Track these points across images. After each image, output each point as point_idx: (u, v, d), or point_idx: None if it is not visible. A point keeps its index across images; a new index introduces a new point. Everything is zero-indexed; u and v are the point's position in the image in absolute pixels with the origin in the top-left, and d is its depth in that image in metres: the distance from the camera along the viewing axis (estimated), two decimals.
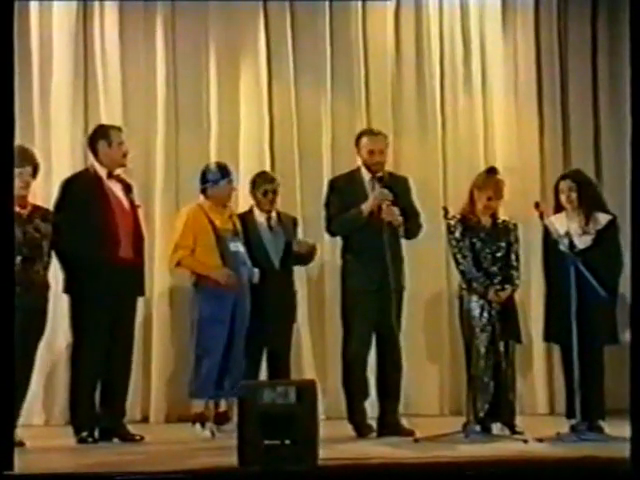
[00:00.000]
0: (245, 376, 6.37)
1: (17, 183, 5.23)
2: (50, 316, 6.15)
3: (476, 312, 6.06)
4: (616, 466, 4.59)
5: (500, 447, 5.54)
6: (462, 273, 6.14)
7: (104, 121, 7.32)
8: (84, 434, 5.96)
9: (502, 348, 6.06)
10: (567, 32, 8.33)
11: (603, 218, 6.20)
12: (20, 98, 6.19)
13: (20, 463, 4.34)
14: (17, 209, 5.46)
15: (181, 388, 6.84)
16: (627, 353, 6.15)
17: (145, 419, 7.51)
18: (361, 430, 6.20)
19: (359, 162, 6.47)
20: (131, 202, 6.27)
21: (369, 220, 6.21)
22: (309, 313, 7.73)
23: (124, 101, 7.83)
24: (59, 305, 6.52)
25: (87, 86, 7.80)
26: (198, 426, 6.42)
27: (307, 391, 4.81)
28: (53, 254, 6.05)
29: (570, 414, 6.00)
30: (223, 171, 6.61)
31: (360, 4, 8.08)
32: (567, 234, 6.13)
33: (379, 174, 6.32)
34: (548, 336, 6.32)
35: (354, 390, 6.29)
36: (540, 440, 5.72)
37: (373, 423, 6.29)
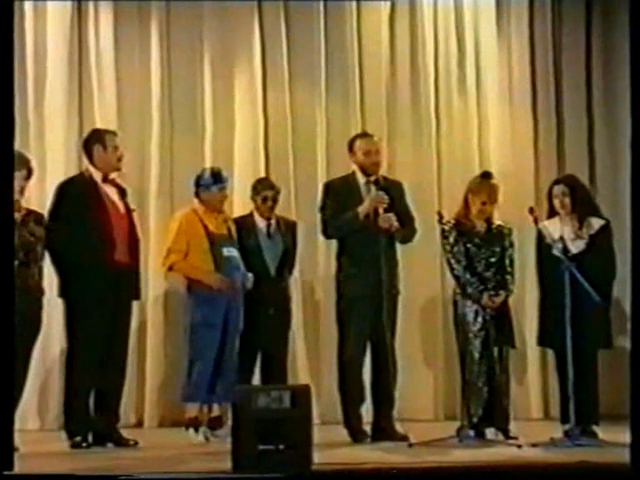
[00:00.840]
0: (239, 381, 6.38)
1: None
2: (45, 320, 6.13)
3: (470, 317, 6.06)
4: (610, 471, 4.59)
5: (494, 452, 5.53)
6: (456, 278, 6.14)
7: (98, 125, 7.32)
8: (78, 439, 5.94)
9: (496, 353, 6.06)
10: (561, 36, 8.35)
11: (596, 223, 6.20)
12: (15, 102, 6.17)
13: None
14: None
15: (175, 393, 6.83)
16: (619, 358, 6.21)
17: (139, 424, 7.51)
18: (356, 436, 6.19)
19: (354, 166, 6.46)
20: (126, 206, 6.27)
21: (365, 223, 6.21)
22: (303, 318, 7.72)
23: (118, 105, 7.83)
24: (54, 309, 6.51)
25: (81, 89, 7.80)
26: (192, 431, 6.42)
27: (301, 396, 4.81)
28: (47, 258, 6.03)
29: (564, 419, 5.99)
30: (216, 177, 6.61)
31: (355, 9, 8.09)
32: (561, 239, 6.13)
33: (375, 177, 6.32)
34: (542, 341, 6.32)
35: (350, 395, 6.28)
36: (534, 445, 5.71)
37: (367, 428, 6.28)
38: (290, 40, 8.05)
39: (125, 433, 6.21)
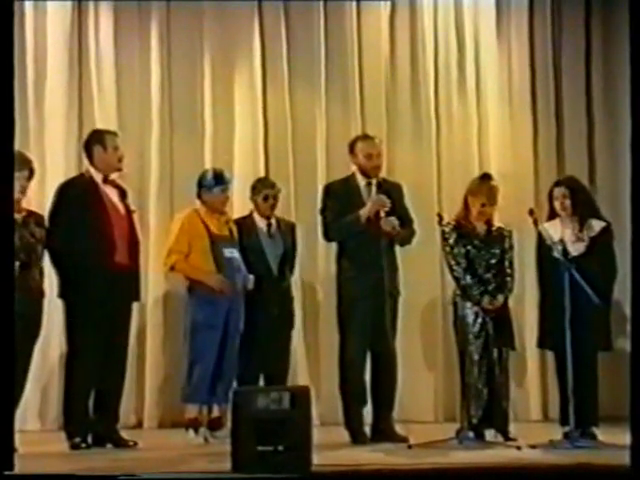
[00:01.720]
0: (242, 382, 6.38)
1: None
2: (45, 321, 6.12)
3: (470, 319, 6.06)
4: (610, 473, 4.59)
5: (493, 454, 5.53)
6: (456, 280, 6.14)
7: (98, 125, 7.32)
8: (77, 440, 5.94)
9: (496, 355, 6.06)
10: (561, 38, 8.35)
11: (597, 225, 6.20)
12: (14, 102, 6.17)
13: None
14: None
15: (175, 394, 6.84)
16: (619, 360, 6.21)
17: (139, 424, 7.51)
18: (357, 437, 6.19)
19: (354, 168, 6.46)
20: (126, 207, 6.27)
21: (366, 226, 6.21)
22: (304, 319, 7.72)
23: (118, 105, 7.84)
24: (54, 310, 6.50)
25: (81, 90, 7.81)
26: (191, 432, 6.42)
27: (301, 397, 4.81)
28: (47, 259, 6.03)
29: (564, 421, 5.99)
30: (217, 178, 6.61)
31: (355, 9, 8.09)
32: (561, 241, 6.13)
33: (376, 179, 6.33)
34: (542, 343, 6.32)
35: (351, 397, 6.28)
36: (533, 447, 5.71)
37: (367, 429, 6.28)
38: (290, 41, 8.06)
39: (125, 434, 6.21)
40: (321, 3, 8.05)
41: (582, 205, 6.21)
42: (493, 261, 6.19)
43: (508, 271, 6.21)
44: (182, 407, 6.55)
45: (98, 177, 6.17)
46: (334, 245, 6.54)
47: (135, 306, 6.45)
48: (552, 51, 8.32)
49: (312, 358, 7.73)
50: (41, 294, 5.97)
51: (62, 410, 6.21)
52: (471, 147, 8.13)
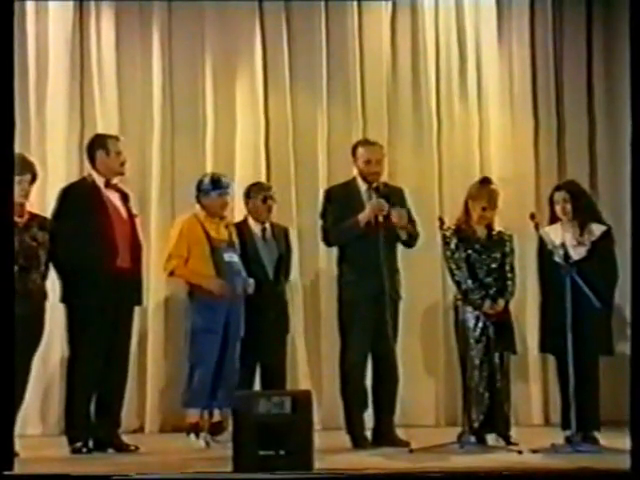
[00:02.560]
0: (240, 386, 6.38)
1: (16, 191, 5.22)
2: (47, 325, 6.12)
3: (471, 323, 6.06)
4: (611, 477, 4.59)
5: (495, 458, 5.53)
6: (457, 284, 6.14)
7: (100, 128, 7.33)
8: (78, 444, 5.93)
9: (497, 359, 6.06)
10: (562, 40, 8.35)
11: (597, 229, 6.20)
12: (16, 105, 6.17)
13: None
14: (14, 218, 5.44)
15: (176, 398, 6.82)
16: (620, 364, 6.20)
17: (140, 429, 7.50)
18: (358, 442, 6.18)
19: (355, 172, 6.47)
20: (129, 211, 6.26)
21: (366, 230, 6.21)
22: (305, 323, 7.73)
23: (120, 108, 7.84)
24: (56, 314, 6.50)
25: (83, 93, 7.82)
26: (193, 436, 6.41)
27: (302, 401, 4.82)
28: (50, 263, 6.03)
29: (565, 425, 5.99)
30: (215, 183, 6.61)
31: (357, 13, 8.10)
32: (562, 245, 6.13)
33: (375, 184, 6.33)
34: (543, 347, 6.31)
35: (353, 401, 6.28)
36: (535, 451, 5.71)
37: (368, 434, 6.28)
38: (291, 45, 8.06)
39: (126, 438, 6.21)
40: (322, 4, 8.06)
41: (583, 209, 6.21)
42: (494, 265, 6.19)
43: (509, 275, 6.21)
44: (183, 411, 6.54)
45: (100, 181, 6.17)
46: (335, 250, 6.54)
47: (137, 310, 6.45)
48: (553, 55, 8.31)
49: (313, 362, 7.73)
50: (43, 297, 5.97)
51: (63, 414, 6.20)
52: (472, 151, 8.12)
